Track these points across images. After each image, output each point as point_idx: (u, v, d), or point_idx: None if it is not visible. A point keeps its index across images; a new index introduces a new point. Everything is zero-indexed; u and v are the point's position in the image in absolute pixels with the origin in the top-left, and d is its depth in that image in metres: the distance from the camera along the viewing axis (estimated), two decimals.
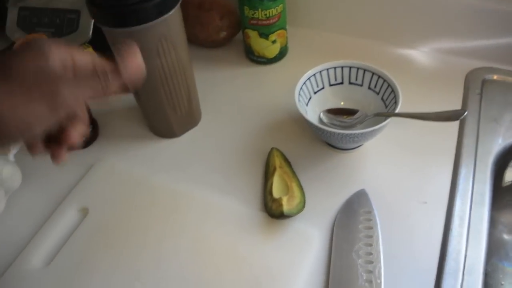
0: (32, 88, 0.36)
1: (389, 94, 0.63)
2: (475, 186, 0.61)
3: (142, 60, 0.42)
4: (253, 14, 0.76)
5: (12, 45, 0.60)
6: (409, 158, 0.65)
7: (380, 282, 0.51)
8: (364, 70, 0.66)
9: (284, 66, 0.85)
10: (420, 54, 0.82)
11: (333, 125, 0.66)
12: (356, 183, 0.62)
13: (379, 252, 0.54)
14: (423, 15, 0.78)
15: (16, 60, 0.37)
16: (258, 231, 0.58)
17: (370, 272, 0.52)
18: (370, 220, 0.57)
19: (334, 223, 0.58)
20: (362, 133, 0.57)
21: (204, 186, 0.65)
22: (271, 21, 0.77)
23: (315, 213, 0.60)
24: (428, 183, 0.62)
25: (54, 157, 0.45)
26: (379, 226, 0.57)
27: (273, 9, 0.75)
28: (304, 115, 0.61)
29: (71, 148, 0.46)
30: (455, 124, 0.68)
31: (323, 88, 0.69)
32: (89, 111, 0.74)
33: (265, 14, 0.76)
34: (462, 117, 0.56)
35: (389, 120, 0.58)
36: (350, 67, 0.67)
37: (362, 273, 0.52)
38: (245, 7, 0.76)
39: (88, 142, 0.74)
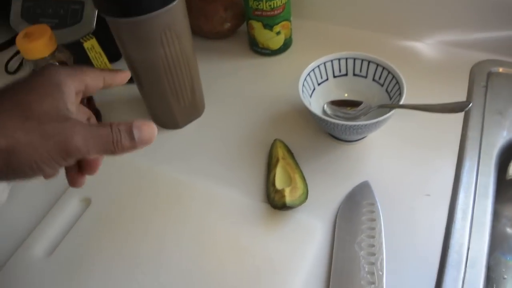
0: (48, 130, 0.36)
1: (394, 86, 0.63)
2: (479, 179, 0.60)
3: (156, 129, 0.42)
4: (257, 5, 0.76)
5: (15, 37, 0.60)
6: (413, 151, 0.65)
7: (382, 274, 0.51)
8: (369, 62, 0.66)
9: (288, 58, 0.85)
10: (425, 46, 0.82)
11: (337, 117, 0.66)
12: (359, 175, 0.62)
13: (381, 244, 0.54)
14: (429, 7, 0.78)
15: (35, 98, 0.37)
16: (261, 222, 0.58)
17: (372, 264, 0.52)
18: (373, 212, 0.57)
19: (336, 215, 0.58)
20: (365, 125, 0.57)
21: (206, 177, 0.65)
22: (276, 12, 0.77)
23: (318, 204, 0.60)
24: (432, 175, 0.62)
25: (73, 183, 0.46)
26: (382, 218, 0.56)
27: (277, 0, 0.75)
28: (308, 106, 0.60)
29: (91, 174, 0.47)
30: (460, 117, 0.68)
31: (327, 79, 0.69)
32: (92, 101, 0.74)
33: (270, 5, 0.75)
34: (466, 109, 0.56)
35: (393, 111, 0.58)
36: (355, 59, 0.67)
37: (364, 265, 0.52)
38: None
39: None
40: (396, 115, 0.59)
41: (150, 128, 0.41)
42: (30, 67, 0.63)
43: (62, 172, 0.67)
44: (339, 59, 0.67)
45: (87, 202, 0.63)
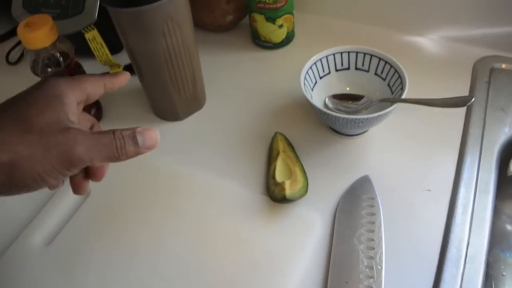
0: (50, 142, 0.37)
1: (396, 80, 0.63)
2: (480, 175, 0.60)
3: (158, 134, 0.42)
4: None
5: (17, 28, 0.60)
6: (414, 146, 0.65)
7: (381, 268, 0.51)
8: (371, 56, 0.66)
9: (290, 51, 0.84)
10: (428, 42, 0.81)
11: (338, 111, 0.66)
12: (360, 169, 0.62)
13: (381, 238, 0.54)
14: (432, 1, 0.77)
15: (36, 112, 0.38)
16: (260, 215, 0.58)
17: (371, 258, 0.52)
18: (373, 206, 0.57)
19: (336, 209, 0.58)
20: (367, 118, 0.57)
21: (206, 169, 0.65)
22: (278, 5, 0.76)
23: (318, 198, 0.59)
24: (433, 170, 0.61)
25: (77, 190, 0.46)
26: (381, 213, 0.56)
27: None
28: (309, 99, 0.60)
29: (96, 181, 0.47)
30: (461, 113, 0.68)
31: (329, 73, 0.68)
32: None
33: None
34: (469, 104, 0.55)
35: (394, 106, 0.58)
36: (357, 53, 0.67)
37: (363, 259, 0.52)
38: None
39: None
40: (397, 110, 0.59)
41: (153, 134, 0.42)
42: (31, 57, 0.63)
43: None
44: (341, 53, 0.67)
45: (86, 193, 0.63)
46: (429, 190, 0.59)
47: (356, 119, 0.57)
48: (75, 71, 0.68)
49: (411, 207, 0.58)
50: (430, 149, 0.64)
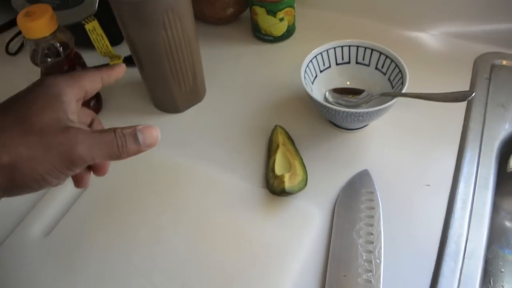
0: (50, 142, 0.37)
1: (396, 75, 0.62)
2: (479, 170, 0.60)
3: (159, 131, 0.42)
4: None
5: (16, 18, 0.59)
6: (414, 141, 0.64)
7: (380, 262, 0.51)
8: (372, 50, 0.65)
9: (291, 45, 0.84)
10: (429, 37, 0.81)
11: (339, 104, 0.66)
12: (360, 164, 0.62)
13: (379, 232, 0.54)
14: None
15: (36, 112, 0.38)
16: (259, 208, 0.58)
17: (370, 252, 0.52)
18: (372, 200, 0.57)
19: (335, 202, 0.58)
20: (367, 112, 0.57)
21: (206, 161, 0.65)
22: None
23: (317, 191, 0.59)
24: (432, 166, 0.61)
25: (78, 183, 0.47)
26: (381, 207, 0.56)
27: None
28: (310, 92, 0.60)
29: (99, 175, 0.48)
30: (462, 109, 0.68)
31: (329, 67, 0.68)
32: None
33: None
34: (469, 98, 0.55)
35: (395, 100, 0.58)
36: (358, 47, 0.66)
37: (362, 253, 0.52)
38: None
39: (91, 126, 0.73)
40: (398, 105, 0.59)
41: (153, 131, 0.42)
42: (30, 47, 0.63)
43: None
44: (342, 47, 0.67)
45: None
46: (429, 185, 0.59)
47: (356, 112, 0.57)
48: (75, 62, 0.68)
49: (411, 202, 0.58)
50: (430, 144, 0.64)
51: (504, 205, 0.73)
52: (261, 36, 0.84)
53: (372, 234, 0.54)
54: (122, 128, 0.40)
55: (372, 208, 0.56)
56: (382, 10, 0.84)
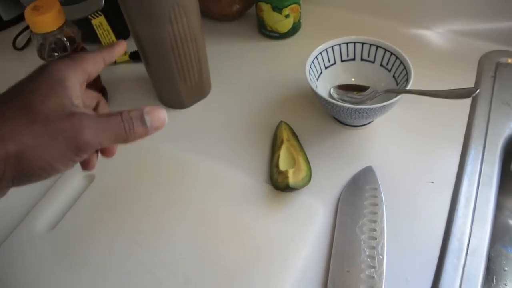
0: (56, 129, 0.36)
1: (401, 72, 0.62)
2: (483, 168, 0.60)
3: (165, 113, 0.42)
4: None
5: (23, 13, 0.60)
6: (418, 138, 0.65)
7: (383, 258, 0.51)
8: (377, 47, 0.66)
9: (296, 42, 0.84)
10: (435, 35, 0.81)
11: (343, 101, 0.66)
12: (364, 160, 0.62)
13: (383, 228, 0.54)
14: None
15: (40, 99, 0.37)
16: (263, 203, 0.58)
17: (373, 248, 0.52)
18: (375, 197, 0.57)
19: (339, 198, 0.58)
20: (371, 109, 0.57)
21: (210, 157, 0.65)
22: None
23: (321, 187, 0.60)
24: (436, 163, 0.61)
25: (85, 165, 0.46)
26: (384, 203, 0.56)
27: None
28: (314, 89, 0.60)
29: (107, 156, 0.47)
30: (466, 106, 0.68)
31: (334, 63, 0.68)
32: (99, 79, 0.74)
33: None
34: (474, 95, 0.55)
35: (399, 97, 0.58)
36: (363, 43, 0.66)
37: (365, 249, 0.52)
38: None
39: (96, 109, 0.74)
40: (402, 102, 0.59)
41: (160, 113, 0.41)
42: (37, 41, 0.63)
43: None
44: (347, 43, 0.67)
45: (90, 178, 0.64)
46: (432, 182, 0.59)
47: (360, 109, 0.57)
48: None
49: (414, 199, 0.58)
50: (434, 141, 0.64)
51: (507, 203, 0.73)
52: (266, 32, 0.84)
53: (375, 230, 0.54)
54: (129, 111, 0.39)
55: (375, 204, 0.56)
56: (387, 7, 0.84)
